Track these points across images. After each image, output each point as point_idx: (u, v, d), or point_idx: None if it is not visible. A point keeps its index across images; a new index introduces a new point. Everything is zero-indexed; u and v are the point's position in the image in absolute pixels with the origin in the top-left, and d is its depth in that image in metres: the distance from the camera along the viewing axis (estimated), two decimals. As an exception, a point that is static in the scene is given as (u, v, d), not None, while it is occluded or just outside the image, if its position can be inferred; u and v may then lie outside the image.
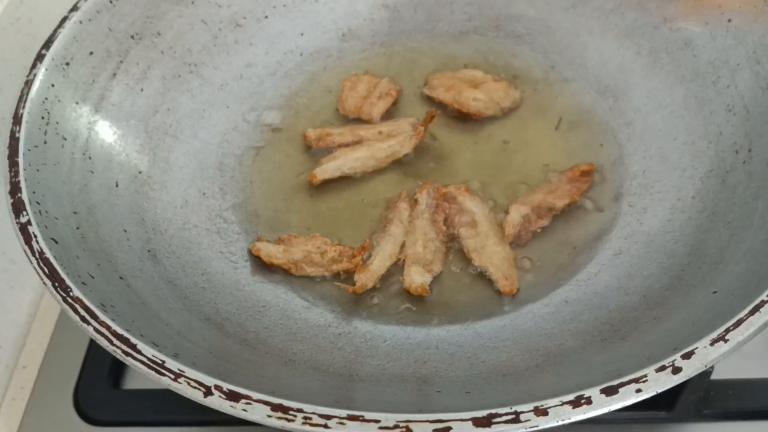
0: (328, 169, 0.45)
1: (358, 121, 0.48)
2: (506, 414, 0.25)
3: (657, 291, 0.36)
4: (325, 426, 0.26)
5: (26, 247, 0.32)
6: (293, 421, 0.26)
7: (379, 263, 0.40)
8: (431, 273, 0.40)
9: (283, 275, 0.41)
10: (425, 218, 0.42)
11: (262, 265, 0.41)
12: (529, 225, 0.41)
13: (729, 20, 0.42)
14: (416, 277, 0.40)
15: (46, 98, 0.39)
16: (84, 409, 0.43)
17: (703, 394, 0.39)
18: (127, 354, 0.28)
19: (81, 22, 0.41)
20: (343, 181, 0.45)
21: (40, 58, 0.39)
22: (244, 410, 0.26)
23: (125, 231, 0.39)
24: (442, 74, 0.50)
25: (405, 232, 0.42)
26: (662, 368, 0.26)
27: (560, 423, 0.25)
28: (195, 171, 0.45)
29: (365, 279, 0.39)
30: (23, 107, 0.38)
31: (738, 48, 0.41)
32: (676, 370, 0.26)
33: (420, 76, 0.51)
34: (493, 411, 0.25)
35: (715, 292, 0.33)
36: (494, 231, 0.41)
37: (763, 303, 0.28)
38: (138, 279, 0.36)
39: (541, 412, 0.25)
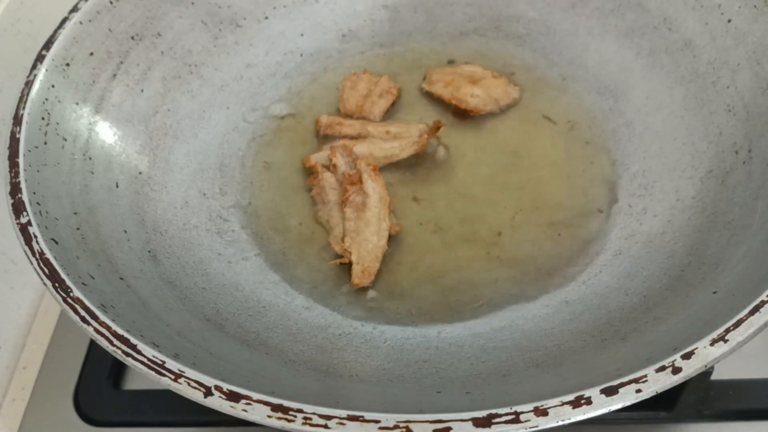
0: (323, 155, 0.46)
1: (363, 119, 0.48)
2: (506, 414, 0.25)
3: (657, 291, 0.36)
4: (325, 426, 0.26)
5: (26, 248, 0.32)
6: (293, 421, 0.26)
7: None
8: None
9: (283, 275, 0.41)
10: (374, 211, 0.42)
11: (263, 266, 0.41)
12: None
13: (729, 20, 0.42)
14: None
15: (47, 99, 0.39)
16: (84, 409, 0.43)
17: (703, 394, 0.39)
18: (127, 354, 0.28)
19: (81, 23, 0.41)
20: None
21: (40, 58, 0.40)
22: (244, 410, 0.26)
23: (125, 232, 0.39)
24: (442, 69, 0.50)
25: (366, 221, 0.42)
26: (662, 368, 0.26)
27: (560, 423, 0.25)
28: (195, 171, 0.45)
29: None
30: (23, 108, 0.38)
31: (738, 48, 0.41)
32: (676, 370, 0.26)
33: (420, 76, 0.51)
34: (493, 411, 0.25)
35: (715, 292, 0.33)
36: (377, 219, 0.42)
37: (763, 303, 0.28)
38: (138, 279, 0.36)
39: (541, 412, 0.25)
